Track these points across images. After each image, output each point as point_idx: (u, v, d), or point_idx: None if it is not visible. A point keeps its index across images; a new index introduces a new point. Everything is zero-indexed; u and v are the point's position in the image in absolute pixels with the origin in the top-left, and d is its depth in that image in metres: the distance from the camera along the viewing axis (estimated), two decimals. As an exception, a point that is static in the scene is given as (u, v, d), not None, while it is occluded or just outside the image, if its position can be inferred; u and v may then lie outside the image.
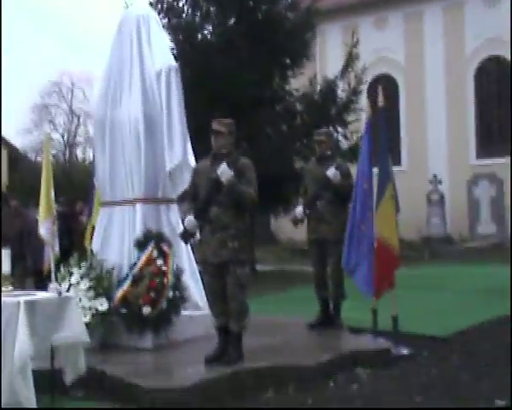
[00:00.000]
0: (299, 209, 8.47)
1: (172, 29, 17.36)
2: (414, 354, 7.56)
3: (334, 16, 26.30)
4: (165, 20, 17.50)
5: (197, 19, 18.06)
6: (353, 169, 8.45)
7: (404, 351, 7.54)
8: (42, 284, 10.51)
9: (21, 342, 5.44)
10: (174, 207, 8.34)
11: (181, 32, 17.40)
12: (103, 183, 8.40)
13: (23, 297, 5.69)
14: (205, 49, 16.96)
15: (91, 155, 33.84)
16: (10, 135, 34.15)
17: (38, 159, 35.05)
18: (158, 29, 8.78)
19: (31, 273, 13.40)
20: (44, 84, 34.58)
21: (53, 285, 6.30)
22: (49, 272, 9.45)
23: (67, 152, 34.46)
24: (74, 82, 33.99)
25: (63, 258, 9.39)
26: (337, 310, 8.40)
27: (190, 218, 6.63)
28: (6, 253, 6.16)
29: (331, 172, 8.16)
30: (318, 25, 19.97)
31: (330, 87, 17.99)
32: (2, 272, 6.08)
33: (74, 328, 5.92)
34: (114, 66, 8.39)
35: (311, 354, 7.14)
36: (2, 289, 5.97)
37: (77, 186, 28.10)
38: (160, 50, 8.44)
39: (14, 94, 45.71)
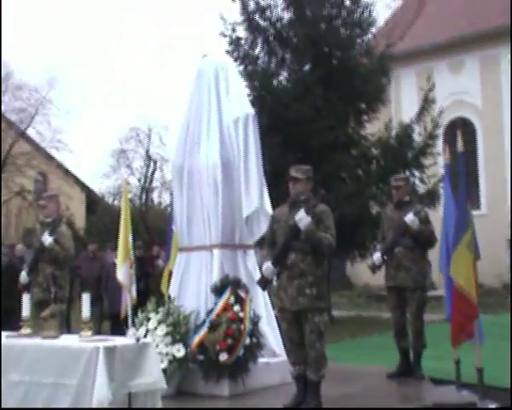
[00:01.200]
0: (377, 255, 8.32)
1: (248, 75, 17.55)
2: (501, 408, 7.23)
3: (408, 60, 26.20)
4: (242, 67, 17.72)
5: (273, 65, 18.26)
6: (431, 214, 8.27)
7: (492, 405, 7.16)
8: (119, 328, 10.58)
9: (100, 388, 5.44)
10: (251, 253, 8.31)
11: (257, 79, 17.57)
12: (181, 228, 8.43)
13: (102, 343, 5.71)
14: (280, 95, 17.07)
15: (167, 200, 34.27)
16: (89, 179, 34.86)
17: (116, 202, 35.71)
18: (235, 77, 8.88)
19: (107, 317, 13.55)
20: (123, 129, 35.34)
21: (131, 331, 6.30)
22: (126, 316, 9.50)
23: (144, 196, 34.98)
24: (151, 127, 34.54)
25: (139, 302, 9.46)
26: (418, 359, 8.16)
27: (268, 264, 6.57)
28: (86, 297, 6.22)
29: (409, 218, 8.01)
30: (393, 69, 19.92)
31: (406, 131, 17.85)
32: (83, 316, 6.13)
33: (152, 374, 5.89)
34: (193, 113, 8.48)
35: (391, 404, 6.93)
36: (82, 333, 6.01)
37: (153, 230, 28.50)
38: (238, 98, 8.50)
39: (94, 140, 47.04)
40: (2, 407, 5.69)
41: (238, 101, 8.47)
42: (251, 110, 8.42)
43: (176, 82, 50.02)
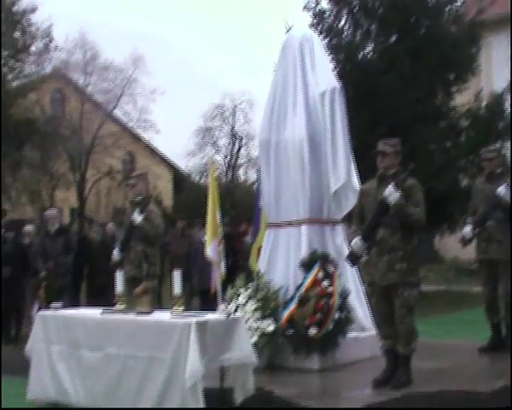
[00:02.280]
0: (468, 229, 8.21)
1: (333, 49, 17.43)
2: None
3: (500, 27, 25.45)
4: (326, 41, 17.61)
5: (358, 38, 18.05)
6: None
7: None
8: (208, 304, 10.79)
9: (193, 362, 5.61)
10: (339, 229, 8.34)
11: (342, 52, 17.44)
12: (269, 205, 8.52)
13: (194, 318, 5.87)
14: (366, 68, 16.91)
15: (253, 177, 34.44)
16: (176, 158, 35.35)
17: (202, 181, 36.13)
18: (320, 50, 8.85)
19: (197, 293, 13.82)
20: (208, 107, 35.59)
21: (222, 306, 6.43)
22: (216, 292, 9.68)
23: (230, 173, 35.29)
24: (236, 104, 34.74)
25: (228, 278, 9.64)
26: (511, 334, 8.05)
27: (357, 240, 6.58)
28: (177, 274, 6.39)
29: (502, 190, 7.87)
30: (483, 37, 19.41)
31: (497, 101, 17.42)
32: (174, 292, 6.31)
33: (243, 349, 6.04)
34: (278, 88, 8.53)
35: (483, 380, 6.87)
36: (174, 309, 6.19)
37: (239, 207, 28.75)
38: (323, 71, 8.50)
39: (180, 118, 47.59)
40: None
41: (324, 74, 8.46)
42: (337, 83, 8.40)
43: (260, 58, 50.15)
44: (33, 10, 21.99)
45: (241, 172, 37.10)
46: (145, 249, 8.87)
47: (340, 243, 8.21)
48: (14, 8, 21.52)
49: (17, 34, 21.38)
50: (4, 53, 21.12)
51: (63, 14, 27.94)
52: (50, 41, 22.42)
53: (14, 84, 22.23)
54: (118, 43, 38.78)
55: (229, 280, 9.53)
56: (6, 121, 21.38)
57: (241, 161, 36.29)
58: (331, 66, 8.77)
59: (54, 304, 7.39)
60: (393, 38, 17.75)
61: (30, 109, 23.96)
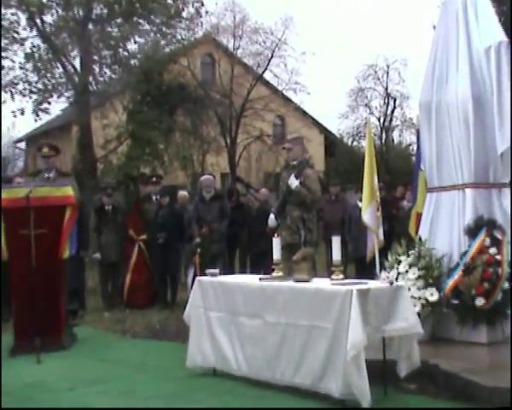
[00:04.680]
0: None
1: (497, 1, 16.70)
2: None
3: None
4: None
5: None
6: None
7: None
8: (364, 271, 10.69)
9: (354, 332, 5.55)
10: (507, 192, 7.98)
11: (506, 4, 16.69)
12: (430, 168, 8.28)
13: (355, 286, 5.79)
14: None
15: (408, 139, 33.79)
16: (327, 121, 35.34)
17: (354, 144, 35.90)
18: (485, 3, 8.44)
19: (351, 260, 13.72)
20: (360, 67, 35.26)
21: (383, 274, 6.32)
22: (372, 259, 9.56)
23: (384, 136, 34.81)
24: (389, 64, 34.10)
25: (383, 245, 9.49)
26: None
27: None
28: (336, 240, 6.34)
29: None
30: None
31: None
32: (334, 259, 6.26)
33: (407, 319, 5.91)
34: (440, 46, 8.23)
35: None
36: (334, 276, 6.13)
37: (394, 171, 28.35)
38: (488, 26, 8.11)
39: (331, 80, 47.43)
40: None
41: (489, 27, 8.08)
42: (504, 37, 8.00)
43: (414, 15, 48.93)
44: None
45: (395, 134, 36.56)
46: (302, 215, 8.88)
47: (507, 207, 7.86)
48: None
49: (169, 1, 21.92)
50: (157, 20, 21.74)
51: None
52: (201, 5, 22.84)
53: (167, 50, 22.84)
54: (267, 6, 38.98)
55: (385, 247, 9.40)
56: (160, 86, 22.08)
57: (395, 122, 35.71)
58: (496, 19, 8.31)
59: (210, 270, 7.53)
60: None
61: (181, 75, 24.57)
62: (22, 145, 37.12)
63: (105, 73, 22.16)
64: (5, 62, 21.18)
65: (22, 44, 21.33)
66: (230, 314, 6.84)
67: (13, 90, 21.42)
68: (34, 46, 21.47)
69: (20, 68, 21.47)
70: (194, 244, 11.77)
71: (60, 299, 8.92)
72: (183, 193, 14.50)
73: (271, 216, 9.16)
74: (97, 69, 21.89)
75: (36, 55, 21.31)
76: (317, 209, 10.63)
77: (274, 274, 6.85)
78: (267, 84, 30.96)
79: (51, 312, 8.71)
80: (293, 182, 8.81)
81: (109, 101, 23.35)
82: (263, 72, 29.93)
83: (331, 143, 34.83)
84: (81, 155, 22.45)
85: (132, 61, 22.21)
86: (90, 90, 21.66)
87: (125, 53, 22.01)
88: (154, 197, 13.30)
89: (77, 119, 22.98)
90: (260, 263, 12.63)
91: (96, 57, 21.78)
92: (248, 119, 29.44)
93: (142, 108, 22.09)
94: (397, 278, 7.39)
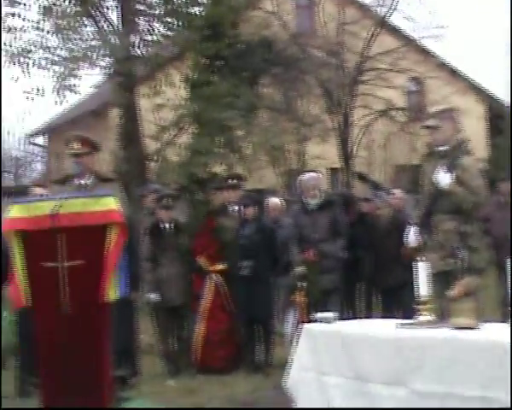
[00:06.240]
0: None
1: None
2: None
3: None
4: None
5: None
6: None
7: None
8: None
9: None
10: None
11: None
12: None
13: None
14: None
15: None
16: (491, 85, 35.05)
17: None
18: None
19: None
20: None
21: None
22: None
23: None
24: None
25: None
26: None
27: None
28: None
29: None
30: None
31: None
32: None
33: None
34: None
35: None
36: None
37: None
38: None
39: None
40: None
41: None
42: None
43: None
44: None
45: None
46: (459, 228, 8.78)
47: None
48: None
49: None
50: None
51: None
52: None
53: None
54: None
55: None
56: (235, 44, 21.94)
57: None
58: None
59: (321, 314, 7.52)
60: None
61: (266, 26, 24.41)
62: (40, 140, 37.87)
63: (154, 29, 22.38)
64: (14, 22, 21.48)
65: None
66: (357, 380, 6.83)
67: (27, 62, 21.46)
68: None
69: (36, 29, 21.64)
70: (296, 276, 11.76)
71: (103, 361, 8.99)
72: (274, 201, 14.53)
73: (411, 231, 9.10)
74: (144, 24, 22.15)
75: (57, 8, 21.58)
76: (481, 218, 10.49)
77: (420, 319, 6.81)
78: (395, 31, 30.76)
79: (91, 380, 8.77)
80: (444, 178, 8.73)
81: (163, 70, 23.45)
82: (388, 14, 29.70)
83: (498, 116, 34.27)
84: (125, 150, 22.56)
85: (193, 10, 22.34)
86: (135, 56, 21.89)
87: (183, -2, 22.22)
88: (232, 208, 13.34)
89: (117, 98, 23.13)
90: (395, 301, 12.55)
91: (140, 7, 22.03)
92: (368, 86, 29.23)
93: (209, 77, 21.98)
94: None
